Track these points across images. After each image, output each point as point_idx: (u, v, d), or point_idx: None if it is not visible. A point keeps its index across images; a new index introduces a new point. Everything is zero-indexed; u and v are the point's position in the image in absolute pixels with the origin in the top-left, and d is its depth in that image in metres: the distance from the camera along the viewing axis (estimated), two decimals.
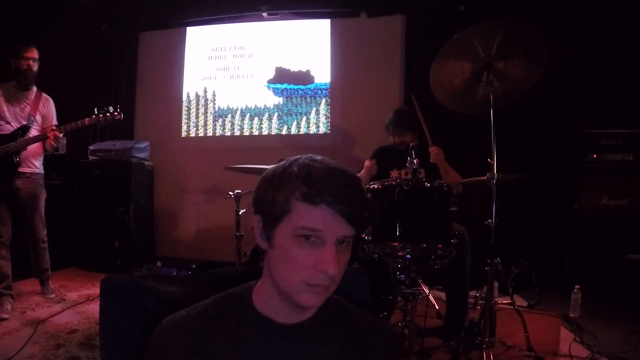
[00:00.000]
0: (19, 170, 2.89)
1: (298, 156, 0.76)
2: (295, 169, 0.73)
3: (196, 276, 1.03)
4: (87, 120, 2.92)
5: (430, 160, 2.48)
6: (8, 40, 4.32)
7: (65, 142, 4.41)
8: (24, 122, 2.93)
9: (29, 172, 2.97)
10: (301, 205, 0.70)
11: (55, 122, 3.11)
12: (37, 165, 3.03)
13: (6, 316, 2.73)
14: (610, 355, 2.26)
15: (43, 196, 3.10)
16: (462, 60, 2.19)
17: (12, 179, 2.89)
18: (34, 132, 2.96)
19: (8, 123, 2.91)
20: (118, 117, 3.02)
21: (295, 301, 0.73)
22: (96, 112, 2.95)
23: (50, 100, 3.13)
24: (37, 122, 3.01)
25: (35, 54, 2.98)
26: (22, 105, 2.98)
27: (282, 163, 0.76)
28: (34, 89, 3.06)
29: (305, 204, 0.70)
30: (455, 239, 1.78)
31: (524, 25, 2.06)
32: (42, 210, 3.09)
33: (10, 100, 2.96)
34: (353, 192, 0.72)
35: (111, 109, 2.98)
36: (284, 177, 0.73)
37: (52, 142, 2.88)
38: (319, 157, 0.76)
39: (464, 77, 2.23)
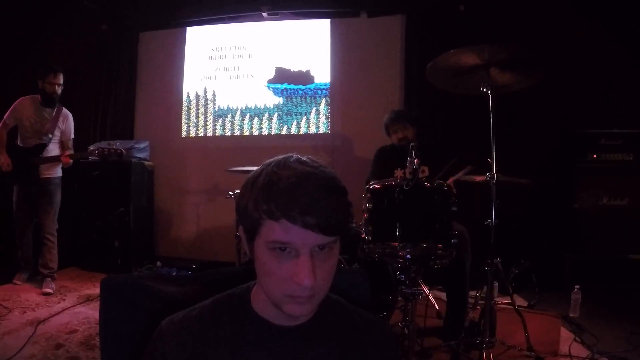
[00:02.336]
0: (40, 176, 3.31)
1: (272, 160, 0.73)
2: (261, 179, 0.70)
3: (196, 276, 1.03)
4: (97, 152, 3.34)
5: None
6: (8, 40, 4.34)
7: None
8: (43, 138, 3.31)
9: (48, 177, 3.34)
10: (266, 222, 0.68)
11: (72, 135, 3.48)
12: (55, 172, 3.39)
13: (50, 291, 3.23)
14: (610, 355, 2.26)
15: (58, 195, 3.42)
16: (458, 64, 2.19)
17: (32, 186, 3.32)
18: (52, 145, 3.34)
19: (29, 137, 3.30)
20: (120, 152, 3.39)
21: (283, 311, 0.72)
22: (102, 147, 3.37)
23: (70, 116, 3.46)
24: (55, 136, 3.37)
25: (61, 79, 3.30)
26: (43, 122, 3.33)
27: (257, 169, 0.74)
28: (57, 106, 3.39)
29: (269, 220, 0.68)
30: (455, 239, 1.78)
31: (522, 48, 2.07)
32: (56, 208, 3.40)
33: (34, 115, 3.32)
34: (320, 199, 0.67)
35: (115, 145, 3.41)
36: (253, 189, 0.71)
37: (64, 165, 3.33)
38: (293, 159, 0.72)
39: (463, 67, 2.22)
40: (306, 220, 0.66)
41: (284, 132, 4.41)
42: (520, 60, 2.12)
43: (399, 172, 2.71)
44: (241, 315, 0.78)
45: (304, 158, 0.73)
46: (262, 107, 4.46)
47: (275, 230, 0.68)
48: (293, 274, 0.68)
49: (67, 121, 3.43)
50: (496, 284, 3.01)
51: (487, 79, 2.12)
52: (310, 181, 0.68)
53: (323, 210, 0.67)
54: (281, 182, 0.68)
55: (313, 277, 0.68)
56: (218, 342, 0.75)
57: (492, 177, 2.06)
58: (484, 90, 2.12)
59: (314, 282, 0.68)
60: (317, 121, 4.36)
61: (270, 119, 4.44)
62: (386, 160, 2.81)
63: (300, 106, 4.39)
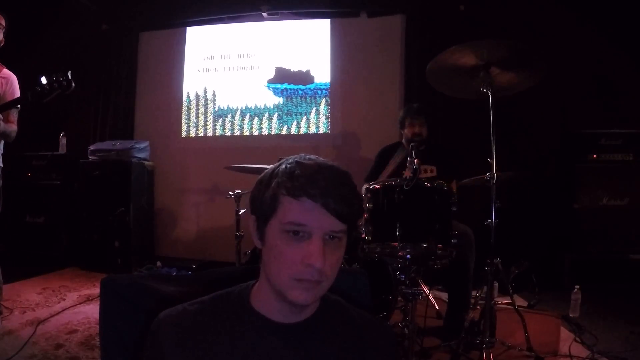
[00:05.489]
0: None
1: (293, 155, 0.78)
2: (284, 166, 0.75)
3: (196, 276, 1.03)
4: (29, 95, 2.14)
5: None
6: (8, 40, 4.32)
7: (65, 142, 4.42)
8: None
9: None
10: (286, 200, 0.72)
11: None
12: None
13: None
14: (610, 355, 2.26)
15: None
16: (458, 64, 2.18)
17: None
18: None
19: None
20: (66, 86, 2.22)
21: (287, 298, 0.73)
22: (42, 82, 2.12)
23: (12, 78, 2.47)
24: None
25: None
26: None
27: (274, 164, 0.78)
28: None
29: (289, 198, 0.72)
30: (455, 239, 1.78)
31: (524, 43, 2.06)
32: None
33: None
34: (338, 187, 0.72)
35: (62, 77, 2.19)
36: (273, 176, 0.75)
37: None
38: (311, 156, 0.78)
39: (463, 68, 2.21)
40: (326, 202, 0.70)
41: (284, 132, 4.41)
42: (520, 58, 2.11)
43: (407, 172, 2.72)
44: (240, 311, 0.79)
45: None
46: (262, 107, 4.46)
47: (294, 209, 0.71)
48: (304, 256, 0.71)
49: (9, 84, 2.45)
50: (496, 284, 3.01)
51: (488, 79, 2.11)
52: (330, 170, 0.74)
53: (341, 196, 0.72)
54: (304, 168, 0.73)
55: (323, 260, 0.71)
56: (217, 333, 0.76)
57: (492, 177, 2.06)
58: (484, 90, 2.12)
59: (324, 266, 0.71)
60: (317, 121, 4.36)
61: (270, 119, 4.44)
62: (388, 161, 2.81)
63: (300, 106, 4.39)
